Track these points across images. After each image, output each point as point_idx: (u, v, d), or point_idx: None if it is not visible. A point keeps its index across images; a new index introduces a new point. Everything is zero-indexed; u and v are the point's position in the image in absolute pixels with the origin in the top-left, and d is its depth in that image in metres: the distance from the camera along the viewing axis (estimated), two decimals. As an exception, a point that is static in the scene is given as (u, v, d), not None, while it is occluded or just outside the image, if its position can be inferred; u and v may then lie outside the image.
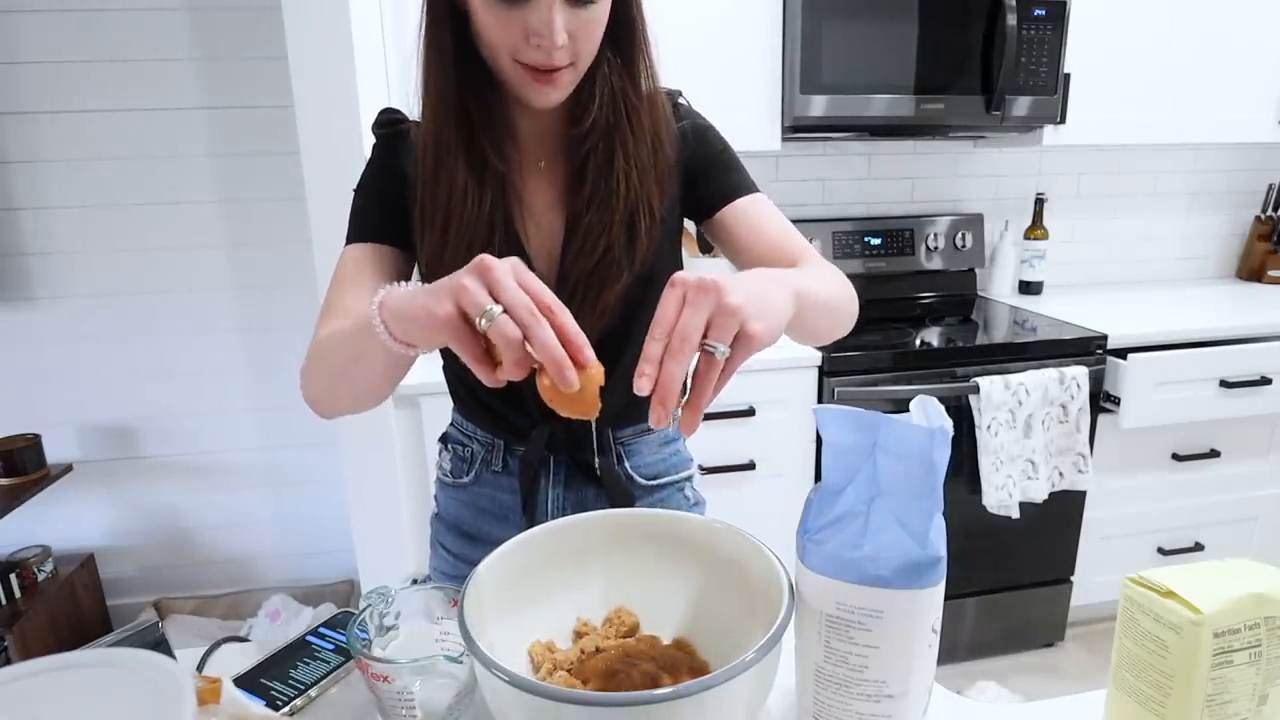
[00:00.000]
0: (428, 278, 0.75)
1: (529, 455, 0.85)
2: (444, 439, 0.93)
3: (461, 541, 0.91)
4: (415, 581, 0.86)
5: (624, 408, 0.81)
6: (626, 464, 0.88)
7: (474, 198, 0.74)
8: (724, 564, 0.65)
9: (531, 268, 0.76)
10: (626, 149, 0.76)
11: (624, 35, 0.74)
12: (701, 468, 1.74)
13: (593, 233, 0.76)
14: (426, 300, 0.54)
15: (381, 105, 0.86)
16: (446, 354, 0.83)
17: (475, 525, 0.89)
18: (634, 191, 0.76)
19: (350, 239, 0.79)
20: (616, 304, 0.77)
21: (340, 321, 0.72)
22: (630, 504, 0.86)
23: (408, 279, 0.80)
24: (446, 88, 0.74)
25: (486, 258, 0.53)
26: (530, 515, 0.86)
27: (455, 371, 0.87)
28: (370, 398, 0.74)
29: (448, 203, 0.74)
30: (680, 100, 0.84)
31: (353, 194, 0.81)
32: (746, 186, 0.84)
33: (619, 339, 0.79)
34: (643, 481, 0.89)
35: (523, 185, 0.79)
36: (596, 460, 0.86)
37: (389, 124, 0.81)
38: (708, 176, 0.83)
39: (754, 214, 0.82)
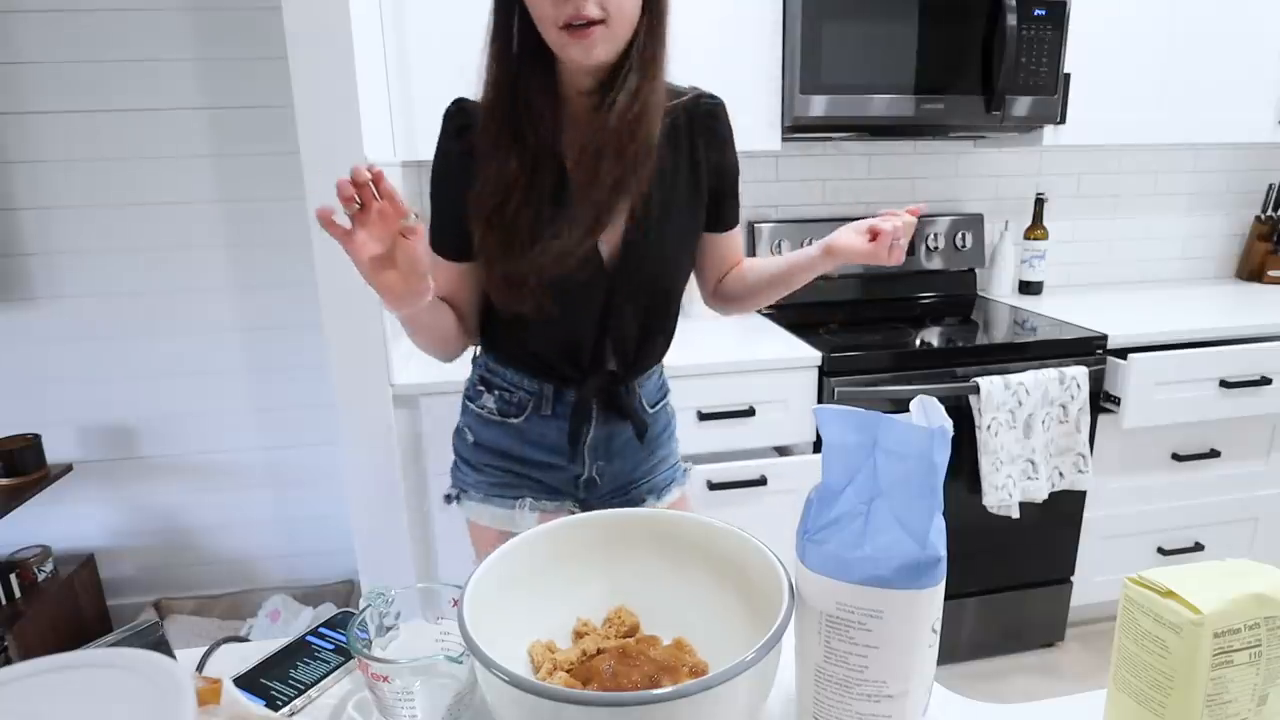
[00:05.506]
0: (481, 235, 0.92)
1: (582, 399, 1.03)
2: (485, 384, 1.08)
3: (509, 462, 1.08)
4: (448, 497, 1.14)
5: (655, 354, 1.08)
6: (641, 399, 1.09)
7: (525, 179, 0.90)
8: (724, 564, 0.65)
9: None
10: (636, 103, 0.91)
11: (654, 28, 0.89)
12: (710, 484, 1.75)
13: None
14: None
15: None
16: (493, 317, 1.02)
17: (523, 453, 1.07)
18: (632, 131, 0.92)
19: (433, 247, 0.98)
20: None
21: None
22: (645, 430, 1.08)
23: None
24: (504, 81, 0.90)
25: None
26: (576, 449, 1.06)
27: (512, 334, 1.02)
28: (439, 352, 1.02)
29: (500, 180, 0.90)
30: (710, 98, 1.04)
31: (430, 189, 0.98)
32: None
33: (672, 305, 1.05)
34: (649, 409, 1.10)
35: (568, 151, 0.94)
36: (629, 401, 1.06)
37: (459, 113, 0.96)
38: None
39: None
